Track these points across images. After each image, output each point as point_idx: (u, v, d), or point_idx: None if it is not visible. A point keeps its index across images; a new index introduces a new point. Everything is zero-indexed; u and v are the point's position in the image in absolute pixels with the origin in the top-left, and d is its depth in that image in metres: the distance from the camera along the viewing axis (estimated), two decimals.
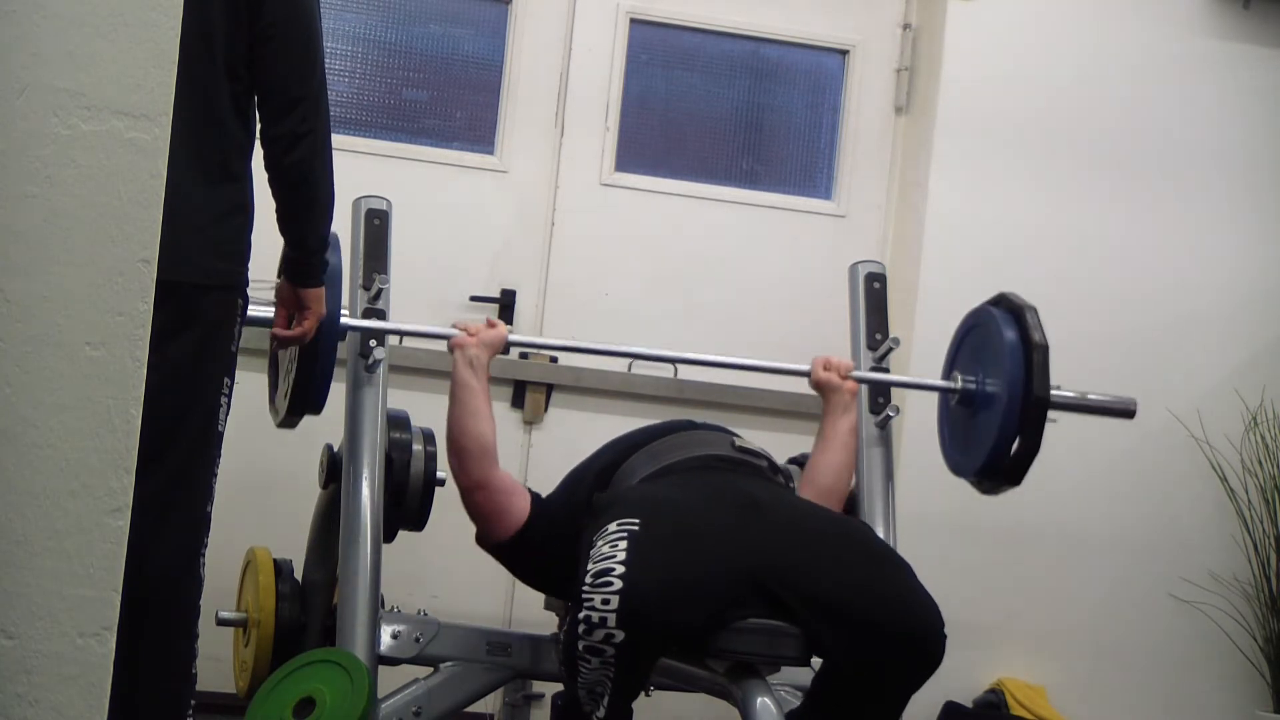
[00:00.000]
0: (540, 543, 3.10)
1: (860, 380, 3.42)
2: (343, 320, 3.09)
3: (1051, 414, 3.27)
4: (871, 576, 2.83)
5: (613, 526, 2.74)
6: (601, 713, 2.68)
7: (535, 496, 3.16)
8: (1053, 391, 3.25)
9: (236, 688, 3.35)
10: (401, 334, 3.34)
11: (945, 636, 2.79)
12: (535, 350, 4.25)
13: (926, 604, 2.80)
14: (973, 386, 3.38)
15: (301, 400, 3.09)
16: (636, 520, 2.74)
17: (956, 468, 3.45)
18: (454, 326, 3.22)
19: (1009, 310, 3.33)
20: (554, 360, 4.29)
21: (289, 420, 3.17)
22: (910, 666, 2.79)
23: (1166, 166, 4.47)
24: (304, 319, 2.80)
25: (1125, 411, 3.51)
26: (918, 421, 4.02)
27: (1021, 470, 3.29)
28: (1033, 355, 3.23)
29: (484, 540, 3.16)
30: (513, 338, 3.29)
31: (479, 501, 3.10)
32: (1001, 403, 3.24)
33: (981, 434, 3.31)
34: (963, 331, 3.48)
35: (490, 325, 3.21)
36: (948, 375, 3.48)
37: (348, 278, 3.32)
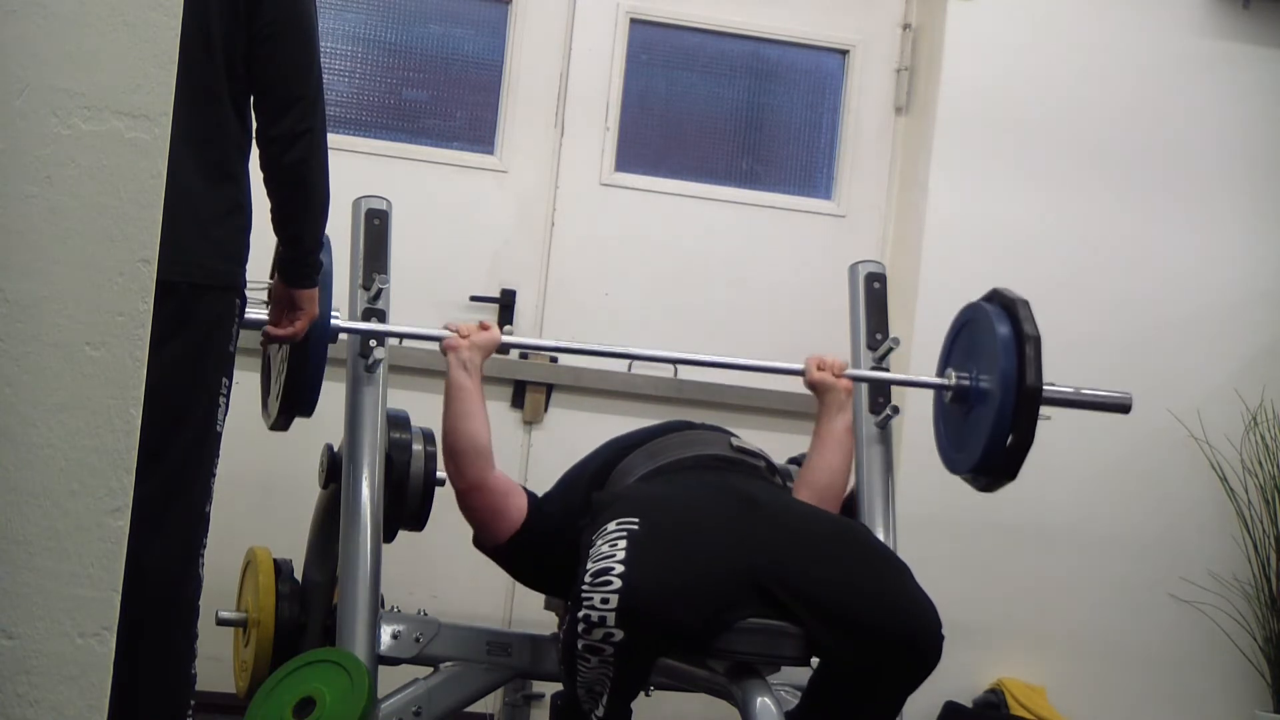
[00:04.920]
0: (538, 543, 3.09)
1: (854, 378, 3.40)
2: (333, 322, 3.09)
3: (1046, 411, 3.24)
4: (869, 578, 2.83)
5: (612, 526, 2.73)
6: (600, 712, 2.68)
7: (532, 496, 3.15)
8: (1047, 386, 3.22)
9: (236, 688, 3.35)
10: (392, 335, 3.29)
11: (943, 638, 2.79)
12: (534, 350, 4.25)
13: (924, 606, 2.80)
14: (966, 382, 3.36)
15: (292, 402, 3.09)
16: (636, 519, 2.74)
17: (952, 465, 3.43)
18: (446, 328, 3.20)
19: (1001, 305, 3.31)
20: (554, 360, 4.29)
21: (281, 422, 3.17)
22: (907, 668, 2.78)
23: (1166, 166, 4.47)
24: (296, 319, 2.80)
25: (1120, 406, 3.47)
26: (917, 421, 4.02)
27: (1016, 464, 3.25)
28: (1025, 348, 3.20)
29: (481, 543, 3.16)
30: (506, 339, 3.28)
31: (475, 503, 3.09)
32: (995, 397, 3.22)
33: (976, 430, 3.29)
34: (956, 328, 3.46)
35: (483, 327, 3.20)
36: (942, 372, 3.45)
37: (347, 278, 3.32)
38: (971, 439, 3.31)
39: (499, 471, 3.12)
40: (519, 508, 3.09)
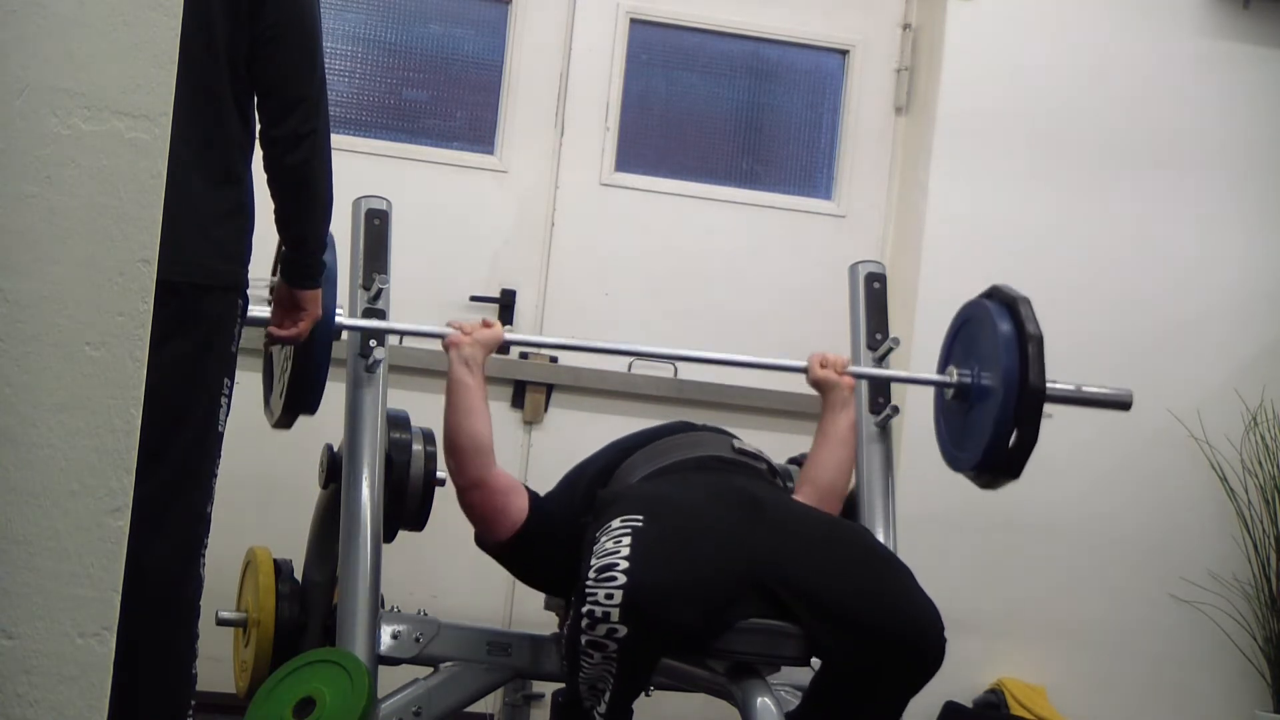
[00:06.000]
0: (539, 542, 3.09)
1: (856, 375, 3.40)
2: (337, 319, 3.09)
3: (1048, 408, 3.24)
4: (870, 579, 2.83)
5: (616, 522, 2.74)
6: (602, 709, 2.68)
7: (534, 495, 3.14)
8: (1048, 384, 3.22)
9: (236, 688, 3.35)
10: (396, 333, 3.32)
11: (945, 641, 2.79)
12: (535, 350, 4.25)
13: (925, 608, 2.80)
14: (968, 380, 3.35)
15: (296, 400, 3.09)
16: (640, 516, 2.74)
17: (954, 463, 3.42)
18: (449, 325, 3.20)
19: (1002, 302, 3.30)
20: (554, 360, 4.29)
21: (284, 420, 3.17)
22: (908, 669, 2.79)
23: (1166, 166, 4.47)
24: (299, 320, 2.80)
25: (1121, 403, 3.47)
26: (918, 420, 4.02)
27: (1020, 462, 3.25)
28: (1027, 346, 3.20)
29: (482, 541, 3.16)
30: (509, 336, 3.28)
31: (475, 501, 3.08)
32: (998, 395, 3.21)
33: (978, 428, 3.28)
34: (956, 325, 3.46)
35: (486, 325, 3.20)
36: (942, 370, 3.45)
37: (347, 277, 3.32)
38: (973, 437, 3.31)
39: (500, 469, 3.11)
40: (520, 506, 3.08)
